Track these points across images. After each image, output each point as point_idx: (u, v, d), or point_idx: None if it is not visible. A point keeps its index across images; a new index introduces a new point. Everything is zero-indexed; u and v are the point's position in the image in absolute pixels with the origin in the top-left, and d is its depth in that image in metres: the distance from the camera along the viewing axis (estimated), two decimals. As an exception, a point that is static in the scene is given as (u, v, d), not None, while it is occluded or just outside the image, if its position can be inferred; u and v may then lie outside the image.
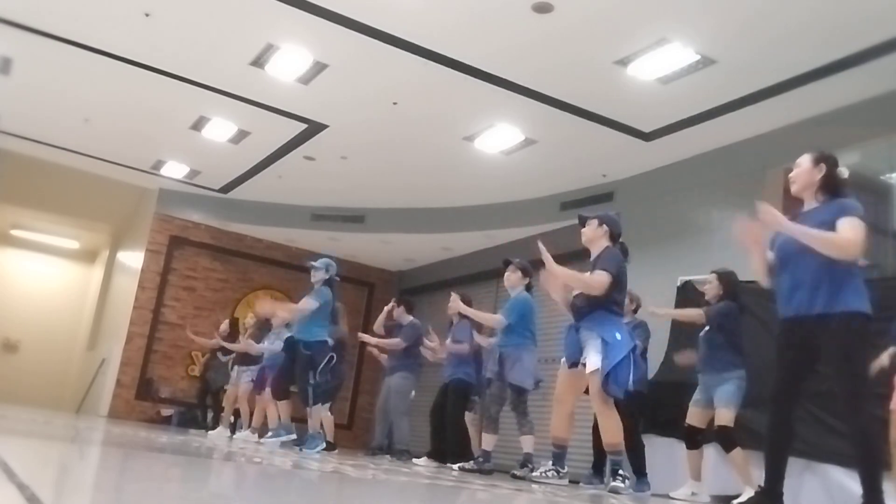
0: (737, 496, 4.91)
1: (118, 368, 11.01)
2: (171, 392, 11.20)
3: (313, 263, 7.08)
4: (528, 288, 6.24)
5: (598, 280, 4.70)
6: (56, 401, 13.85)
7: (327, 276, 6.94)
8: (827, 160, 3.60)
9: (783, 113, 6.56)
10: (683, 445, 5.46)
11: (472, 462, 6.08)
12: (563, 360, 4.95)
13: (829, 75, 5.99)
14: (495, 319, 6.20)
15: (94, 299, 14.48)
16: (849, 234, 3.34)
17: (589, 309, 4.74)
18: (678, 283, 6.86)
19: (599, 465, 6.04)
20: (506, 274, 6.32)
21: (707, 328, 5.29)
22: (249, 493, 2.49)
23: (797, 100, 6.36)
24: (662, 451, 6.16)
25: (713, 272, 5.41)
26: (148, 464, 3.24)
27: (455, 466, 6.10)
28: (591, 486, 5.41)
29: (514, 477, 5.60)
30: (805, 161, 3.65)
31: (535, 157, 8.29)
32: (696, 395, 5.26)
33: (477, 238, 10.41)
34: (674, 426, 5.74)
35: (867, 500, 3.22)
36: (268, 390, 8.02)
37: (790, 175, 3.73)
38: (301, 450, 6.55)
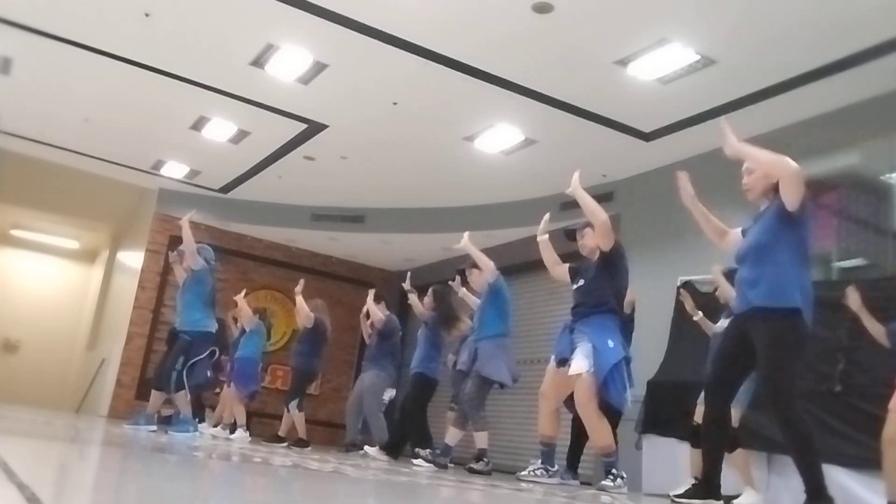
0: (736, 496, 4.90)
1: (118, 368, 11.00)
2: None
3: (181, 249, 6.90)
4: None
5: (603, 217, 4.83)
6: (56, 401, 13.85)
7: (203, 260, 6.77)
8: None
9: (783, 113, 6.56)
10: (683, 445, 5.44)
11: (476, 461, 6.04)
12: (553, 357, 4.94)
13: (829, 75, 5.99)
14: (490, 268, 6.15)
15: (94, 299, 14.47)
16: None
17: (586, 311, 4.77)
18: (678, 283, 6.85)
19: (574, 459, 5.97)
20: (472, 277, 6.32)
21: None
22: (249, 492, 2.49)
23: (797, 100, 6.36)
24: (662, 451, 6.15)
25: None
26: (148, 464, 3.24)
27: (419, 461, 6.07)
28: (563, 482, 5.35)
29: (472, 471, 5.60)
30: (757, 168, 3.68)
31: (535, 157, 8.29)
32: None
33: (477, 238, 10.32)
34: (673, 426, 5.74)
35: (808, 489, 3.25)
36: (233, 386, 8.08)
37: (744, 182, 3.74)
38: (167, 431, 6.38)
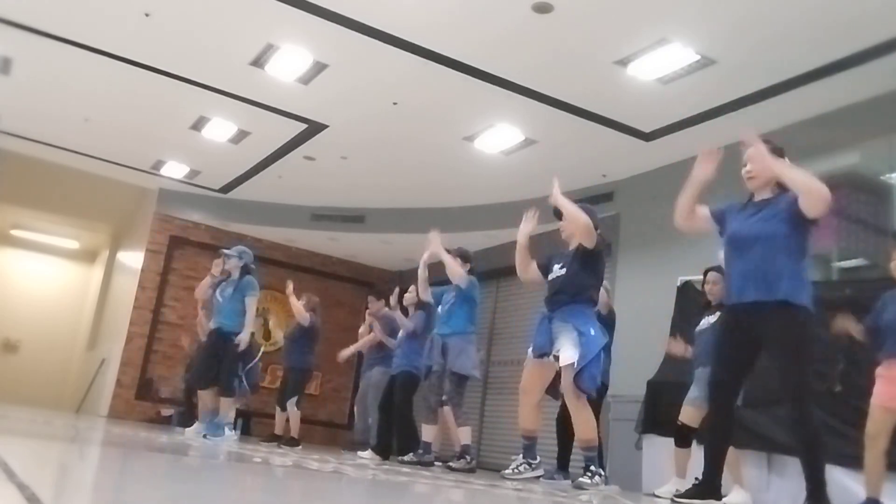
0: (724, 496, 4.88)
1: (118, 368, 11.01)
2: (171, 392, 11.17)
3: (226, 251, 7.09)
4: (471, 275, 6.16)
5: (584, 219, 4.69)
6: (56, 401, 13.85)
7: (242, 264, 6.92)
8: (783, 154, 3.58)
9: (783, 113, 6.55)
10: (672, 442, 5.42)
11: (411, 454, 5.98)
12: (531, 349, 4.86)
13: (829, 75, 6.00)
14: (460, 275, 5.99)
15: (94, 299, 14.48)
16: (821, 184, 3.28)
17: (565, 300, 4.72)
18: (678, 283, 6.85)
19: (564, 459, 5.93)
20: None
21: (713, 323, 5.18)
22: (250, 492, 2.49)
23: (797, 100, 6.36)
24: (662, 451, 6.14)
25: (712, 272, 5.33)
26: (148, 464, 3.24)
27: (405, 459, 6.07)
28: (553, 481, 5.31)
29: (451, 469, 5.55)
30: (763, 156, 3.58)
31: (535, 157, 8.29)
32: (694, 393, 5.08)
33: (477, 238, 10.38)
34: (673, 426, 5.72)
35: (811, 490, 3.22)
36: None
37: (747, 170, 3.65)
38: (205, 436, 6.45)
